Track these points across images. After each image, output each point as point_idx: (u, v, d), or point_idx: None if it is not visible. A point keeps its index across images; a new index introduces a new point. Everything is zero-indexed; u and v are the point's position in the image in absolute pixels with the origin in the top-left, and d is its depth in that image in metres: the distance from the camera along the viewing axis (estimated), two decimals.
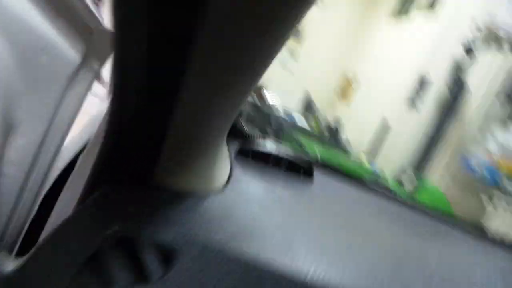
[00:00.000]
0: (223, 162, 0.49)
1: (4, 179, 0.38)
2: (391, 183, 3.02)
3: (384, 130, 3.99)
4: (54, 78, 0.34)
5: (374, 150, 4.04)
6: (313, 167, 0.63)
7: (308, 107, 5.36)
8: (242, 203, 0.46)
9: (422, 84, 3.49)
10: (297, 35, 6.32)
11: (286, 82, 5.67)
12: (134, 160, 0.37)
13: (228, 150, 0.57)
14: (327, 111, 6.15)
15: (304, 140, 3.27)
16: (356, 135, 4.73)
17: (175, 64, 0.29)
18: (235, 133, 0.62)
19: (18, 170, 0.38)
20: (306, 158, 0.64)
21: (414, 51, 4.18)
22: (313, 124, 4.73)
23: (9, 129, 0.33)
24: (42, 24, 0.30)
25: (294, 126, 4.20)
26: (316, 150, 3.23)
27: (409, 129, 3.46)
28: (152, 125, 0.34)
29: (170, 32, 0.27)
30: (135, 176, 0.37)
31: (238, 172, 0.53)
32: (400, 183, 3.05)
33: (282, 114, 4.33)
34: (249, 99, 4.13)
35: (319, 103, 6.08)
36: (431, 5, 4.16)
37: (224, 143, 0.49)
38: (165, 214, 0.37)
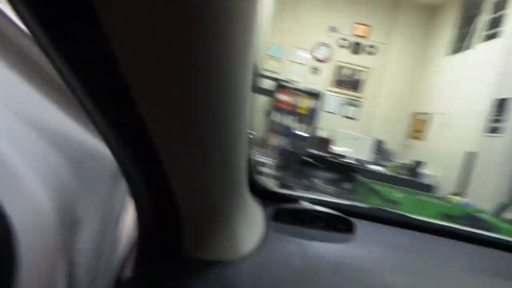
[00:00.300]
0: (252, 228, 0.51)
1: (78, 268, 0.45)
2: (490, 218, 2.68)
3: (469, 162, 3.65)
4: (102, 178, 0.42)
5: (462, 185, 3.67)
6: (352, 224, 0.62)
7: (381, 152, 5.16)
8: (274, 266, 0.47)
9: (500, 106, 3.20)
10: (359, 86, 6.38)
11: (354, 131, 5.62)
12: (162, 238, 0.41)
13: (265, 213, 0.59)
14: (403, 154, 5.89)
15: (383, 189, 3.11)
16: (440, 172, 4.40)
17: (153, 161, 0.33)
18: (273, 197, 0.64)
19: (88, 257, 0.45)
20: (344, 215, 0.63)
21: (484, 76, 3.97)
22: (390, 168, 4.52)
23: (73, 225, 0.40)
24: (84, 134, 0.38)
25: (370, 173, 4.05)
26: (397, 197, 3.04)
27: (497, 156, 3.11)
28: (163, 206, 0.38)
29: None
30: (167, 252, 0.42)
31: (273, 234, 0.54)
32: (500, 216, 2.70)
33: (354, 162, 4.24)
34: (320, 155, 4.19)
35: (393, 147, 5.88)
36: (492, 36, 4.09)
37: (248, 211, 0.51)
38: (193, 284, 0.40)
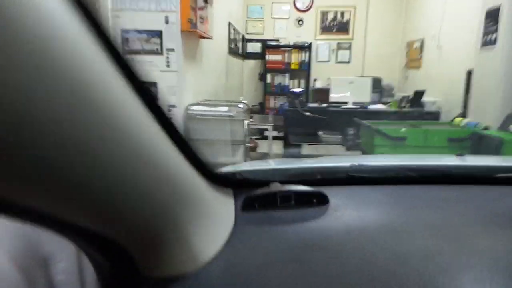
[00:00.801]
0: (216, 227, 0.49)
1: None
2: (497, 134, 2.67)
3: (469, 80, 3.58)
4: None
5: (465, 106, 3.63)
6: (324, 195, 0.60)
7: (380, 90, 5.09)
8: (243, 263, 0.45)
9: (493, 16, 3.07)
10: (347, 28, 6.19)
11: (350, 75, 5.54)
12: (116, 261, 0.41)
13: (235, 204, 0.59)
14: (403, 86, 5.79)
15: (386, 128, 3.10)
16: (442, 97, 4.34)
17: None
18: (242, 185, 0.63)
19: (70, 286, 0.49)
20: (314, 189, 0.61)
21: None
22: (391, 104, 4.48)
23: (47, 260, 0.43)
24: None
25: (369, 114, 4.03)
26: (402, 132, 3.04)
27: (494, 69, 3.04)
28: (104, 236, 0.37)
29: None
30: (125, 274, 0.41)
31: (242, 227, 0.53)
32: (507, 129, 2.68)
33: (351, 106, 4.21)
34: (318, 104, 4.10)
35: (391, 82, 5.78)
36: None
37: (209, 210, 0.49)
38: None
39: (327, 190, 0.62)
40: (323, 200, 0.61)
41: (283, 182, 0.62)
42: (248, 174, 0.70)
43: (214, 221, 0.50)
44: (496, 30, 2.96)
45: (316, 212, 0.58)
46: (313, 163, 0.87)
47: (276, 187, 0.61)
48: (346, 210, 0.59)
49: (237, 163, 1.00)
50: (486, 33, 3.08)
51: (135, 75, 0.33)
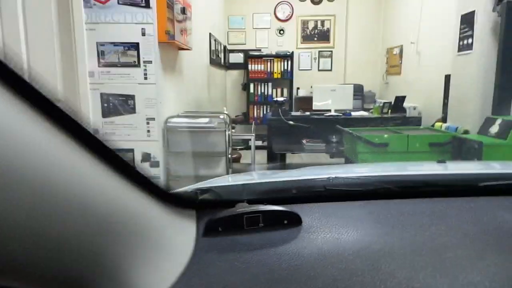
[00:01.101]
0: (167, 261, 0.43)
1: None
2: (477, 137, 2.70)
3: (447, 85, 3.63)
4: None
5: (444, 110, 3.66)
6: (296, 215, 0.54)
7: (362, 97, 5.13)
8: None
9: (468, 21, 3.12)
10: (327, 36, 6.25)
11: (332, 82, 5.57)
12: None
13: (197, 226, 0.53)
14: (384, 93, 5.86)
15: (368, 134, 3.10)
16: (422, 102, 4.39)
17: None
18: (206, 206, 0.58)
19: None
20: (285, 208, 0.55)
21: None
22: (373, 110, 4.51)
23: None
24: None
25: (351, 121, 4.04)
26: (384, 139, 3.04)
27: (470, 74, 3.09)
28: None
29: None
30: None
31: (201, 256, 0.47)
32: (486, 132, 2.71)
33: (334, 114, 4.22)
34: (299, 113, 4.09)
35: (373, 88, 5.84)
36: None
37: (160, 242, 0.43)
38: None
39: (300, 209, 0.58)
40: (295, 220, 0.55)
41: (252, 201, 0.57)
42: (213, 194, 0.65)
43: (165, 253, 0.43)
44: (471, 35, 3.01)
45: (287, 234, 0.52)
46: (288, 176, 0.83)
47: (242, 207, 0.55)
48: (320, 231, 0.53)
49: (218, 176, 0.95)
50: (462, 38, 3.13)
51: (52, 106, 0.30)
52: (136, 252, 0.39)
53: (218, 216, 0.54)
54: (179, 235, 0.50)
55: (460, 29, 3.15)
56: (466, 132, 2.91)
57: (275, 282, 0.42)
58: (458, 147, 2.67)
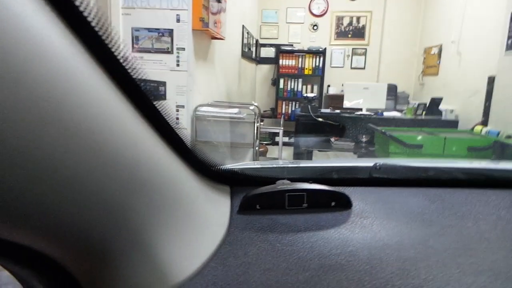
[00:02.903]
0: (202, 236, 0.39)
1: None
2: None
3: (491, 87, 3.43)
4: None
5: (485, 114, 3.47)
6: (345, 196, 0.48)
7: (395, 97, 4.96)
8: (236, 280, 0.35)
9: None
10: (362, 33, 6.10)
11: (364, 81, 5.43)
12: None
13: (231, 203, 0.49)
14: (419, 94, 5.65)
15: (402, 135, 2.97)
16: (459, 105, 4.19)
17: None
18: (243, 183, 0.52)
19: None
20: (332, 188, 0.49)
21: None
22: (407, 111, 4.34)
23: None
24: None
25: (384, 121, 3.90)
26: (419, 140, 2.91)
27: None
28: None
29: None
30: None
31: (236, 234, 0.42)
32: None
33: (365, 113, 4.09)
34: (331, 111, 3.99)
35: (407, 89, 5.65)
36: None
37: (196, 216, 0.39)
38: None
39: (349, 191, 0.51)
40: (344, 203, 0.49)
41: (294, 180, 0.51)
42: (251, 171, 0.60)
43: (199, 227, 0.39)
44: None
45: (336, 218, 0.47)
46: (329, 162, 0.77)
47: (284, 184, 0.50)
48: (374, 216, 0.47)
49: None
50: (510, 37, 2.94)
51: (117, 62, 0.29)
52: (167, 222, 0.35)
53: (257, 191, 0.49)
54: (213, 210, 0.45)
55: (510, 28, 2.96)
56: (509, 137, 2.74)
57: (329, 269, 0.36)
58: (500, 152, 2.51)
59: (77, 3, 0.25)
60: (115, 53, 0.29)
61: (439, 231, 0.44)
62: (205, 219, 0.42)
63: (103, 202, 0.28)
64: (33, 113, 0.22)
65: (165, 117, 0.35)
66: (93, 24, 0.26)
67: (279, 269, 0.36)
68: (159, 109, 0.34)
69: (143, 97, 0.32)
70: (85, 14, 0.26)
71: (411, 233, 0.43)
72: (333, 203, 0.49)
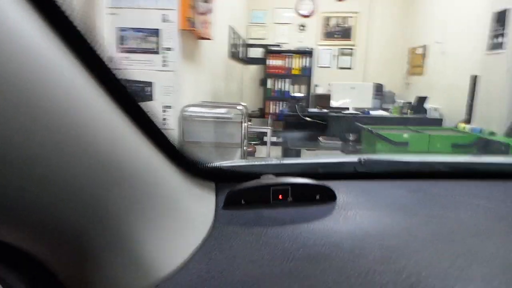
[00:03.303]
0: (185, 232, 0.39)
1: None
2: (504, 139, 2.58)
3: (474, 86, 3.50)
4: None
5: (469, 112, 3.54)
6: (329, 189, 0.49)
7: (382, 97, 5.02)
8: (221, 273, 0.35)
9: (500, 19, 2.99)
10: (350, 34, 6.15)
11: (352, 81, 5.49)
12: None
13: (216, 199, 0.49)
14: (405, 93, 5.73)
15: (388, 133, 3.02)
16: (444, 103, 4.26)
17: None
18: (228, 178, 0.53)
19: None
20: (317, 182, 0.50)
21: None
22: (393, 109, 4.40)
23: None
24: None
25: (370, 119, 3.95)
26: (404, 137, 2.95)
27: (500, 74, 2.96)
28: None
29: None
30: None
31: (221, 229, 0.42)
32: None
33: (352, 111, 4.13)
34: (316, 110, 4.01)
35: (393, 88, 5.72)
36: None
37: (179, 211, 0.39)
38: None
39: (333, 184, 0.52)
40: (329, 196, 0.50)
41: (279, 175, 0.52)
42: (236, 168, 0.60)
43: (183, 223, 0.39)
44: (503, 34, 2.89)
45: (320, 210, 0.47)
46: (315, 159, 0.78)
47: (268, 179, 0.50)
48: (358, 208, 0.47)
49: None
50: (492, 36, 3.01)
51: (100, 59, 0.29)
52: (149, 218, 0.35)
53: (241, 186, 0.49)
54: (197, 206, 0.45)
55: (491, 28, 3.03)
56: (492, 134, 2.80)
57: (313, 259, 0.37)
58: (484, 148, 2.57)
59: (58, 3, 0.25)
60: (98, 53, 0.29)
61: (421, 221, 0.45)
62: (189, 214, 0.42)
63: (82, 199, 0.28)
64: (9, 110, 0.22)
65: (148, 115, 0.35)
66: (75, 24, 0.26)
67: (264, 261, 0.37)
68: (141, 106, 0.34)
69: (124, 95, 0.32)
70: (67, 14, 0.26)
71: (393, 223, 0.44)
72: (317, 196, 0.50)
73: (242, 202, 0.49)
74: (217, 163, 0.62)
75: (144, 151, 0.35)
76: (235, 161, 0.74)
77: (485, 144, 2.58)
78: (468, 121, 3.47)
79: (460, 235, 0.42)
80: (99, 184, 0.29)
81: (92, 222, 0.29)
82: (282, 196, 0.49)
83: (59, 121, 0.25)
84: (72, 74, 0.26)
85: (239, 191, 0.49)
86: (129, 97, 0.32)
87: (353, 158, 0.64)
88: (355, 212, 0.47)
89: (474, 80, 3.44)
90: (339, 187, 0.53)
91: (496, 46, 3.03)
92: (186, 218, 0.41)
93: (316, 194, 0.50)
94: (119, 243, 0.32)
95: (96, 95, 0.29)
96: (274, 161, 0.74)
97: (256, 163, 0.74)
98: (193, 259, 0.37)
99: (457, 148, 2.73)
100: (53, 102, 0.24)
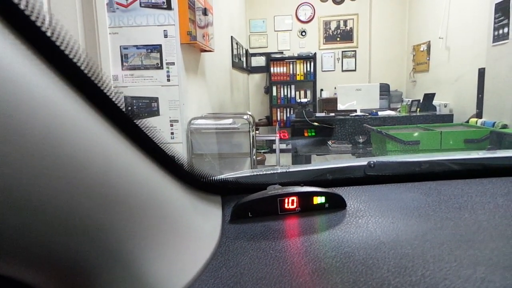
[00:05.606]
0: (180, 251, 0.37)
1: None
2: None
3: (482, 79, 3.44)
4: None
5: (479, 106, 3.48)
6: (338, 197, 0.47)
7: (388, 96, 4.97)
8: (227, 287, 0.34)
9: (503, 9, 2.95)
10: (351, 36, 6.14)
11: (356, 82, 5.46)
12: None
13: (223, 213, 0.48)
14: (412, 91, 5.68)
15: (398, 133, 2.98)
16: (452, 99, 4.20)
17: None
18: (233, 191, 0.52)
19: None
20: (325, 189, 0.48)
21: None
22: (401, 108, 4.35)
23: None
24: None
25: (379, 120, 3.91)
26: (415, 136, 2.91)
27: (506, 65, 2.91)
28: None
29: None
30: None
31: (228, 244, 0.41)
32: None
33: (359, 114, 4.09)
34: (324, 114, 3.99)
35: (399, 87, 5.68)
36: None
37: (184, 230, 0.38)
38: None
39: (341, 191, 0.50)
40: (338, 204, 0.48)
41: (286, 185, 0.50)
42: (242, 179, 0.59)
43: (189, 240, 0.38)
44: (507, 24, 2.84)
45: (330, 219, 0.45)
46: (322, 165, 0.76)
47: (275, 189, 0.49)
48: (369, 215, 0.46)
49: None
50: (496, 27, 2.97)
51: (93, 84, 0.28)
52: (152, 237, 0.33)
53: (247, 199, 0.48)
54: (203, 221, 0.44)
55: (495, 19, 2.98)
56: (504, 126, 2.74)
57: (324, 273, 0.35)
58: (497, 142, 2.51)
59: (39, 24, 0.24)
60: (86, 72, 0.28)
61: (436, 225, 0.43)
62: (195, 231, 0.40)
63: (78, 221, 0.26)
64: None
65: (147, 133, 0.34)
66: (58, 43, 0.25)
67: (272, 277, 0.35)
68: (137, 124, 0.33)
69: (122, 115, 0.31)
70: (43, 29, 0.25)
71: (407, 229, 0.42)
72: (326, 205, 0.48)
73: (249, 214, 0.47)
74: (223, 176, 0.60)
75: (143, 168, 0.34)
76: (241, 172, 0.73)
77: (498, 137, 2.52)
78: (480, 115, 3.41)
79: (480, 239, 0.39)
80: (95, 207, 0.27)
81: (90, 246, 0.28)
82: (289, 207, 0.47)
83: (55, 149, 0.23)
84: (61, 98, 0.25)
85: (246, 204, 0.48)
86: (123, 115, 0.31)
87: (362, 162, 0.63)
88: (367, 219, 0.45)
89: (482, 73, 3.39)
90: (349, 193, 0.51)
91: (500, 37, 2.99)
92: (192, 235, 0.39)
93: (325, 202, 0.48)
94: (121, 267, 0.30)
95: (92, 120, 0.28)
96: (281, 170, 0.72)
97: (262, 173, 0.73)
98: (200, 278, 0.36)
99: (470, 143, 2.68)
100: (42, 126, 0.23)
